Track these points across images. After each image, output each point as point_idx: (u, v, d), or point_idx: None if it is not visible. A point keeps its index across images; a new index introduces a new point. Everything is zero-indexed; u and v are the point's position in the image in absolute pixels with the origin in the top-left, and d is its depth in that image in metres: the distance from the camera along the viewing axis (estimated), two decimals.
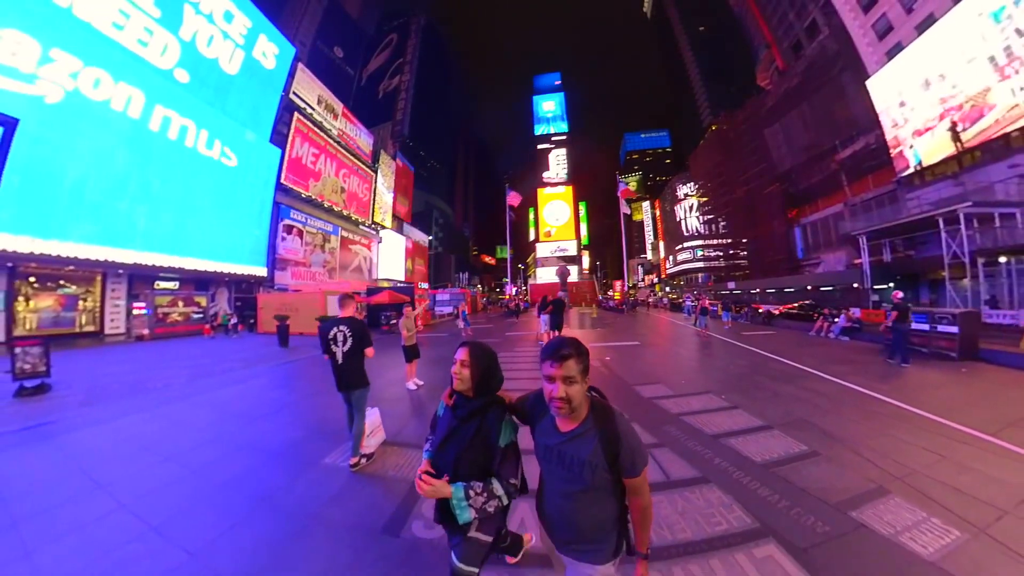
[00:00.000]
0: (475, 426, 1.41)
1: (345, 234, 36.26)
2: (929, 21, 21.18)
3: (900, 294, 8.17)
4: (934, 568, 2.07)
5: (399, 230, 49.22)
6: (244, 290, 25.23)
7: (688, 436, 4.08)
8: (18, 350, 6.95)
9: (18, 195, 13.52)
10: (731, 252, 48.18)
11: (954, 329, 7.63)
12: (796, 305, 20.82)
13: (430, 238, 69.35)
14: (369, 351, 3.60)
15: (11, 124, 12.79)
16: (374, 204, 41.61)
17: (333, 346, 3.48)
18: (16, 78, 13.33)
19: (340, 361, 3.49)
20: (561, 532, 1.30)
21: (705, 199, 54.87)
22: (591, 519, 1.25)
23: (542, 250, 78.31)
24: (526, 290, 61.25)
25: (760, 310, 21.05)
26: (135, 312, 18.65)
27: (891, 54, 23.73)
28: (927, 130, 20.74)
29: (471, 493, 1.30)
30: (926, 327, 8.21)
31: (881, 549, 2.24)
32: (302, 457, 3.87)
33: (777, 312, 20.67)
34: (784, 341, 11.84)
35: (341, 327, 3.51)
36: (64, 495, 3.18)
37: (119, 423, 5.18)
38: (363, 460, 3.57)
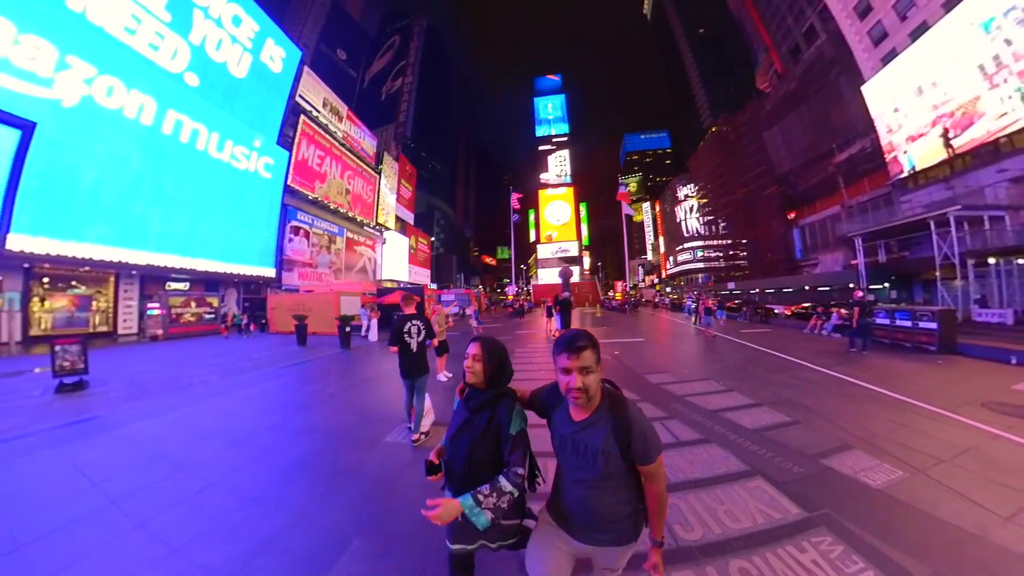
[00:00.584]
0: (487, 416, 1.46)
1: (350, 235, 36.79)
2: (922, 29, 21.79)
3: (860, 293, 9.12)
4: (879, 493, 2.79)
5: (402, 231, 49.91)
6: (252, 291, 25.58)
7: (692, 411, 4.81)
8: (58, 348, 7.00)
9: (36, 197, 13.71)
10: (731, 253, 48.90)
11: (933, 325, 8.33)
12: (808, 305, 20.63)
13: (432, 239, 70.01)
14: (435, 341, 4.28)
15: (29, 127, 13.25)
16: (378, 205, 42.26)
17: (407, 337, 4.08)
18: (34, 82, 13.50)
19: (414, 350, 4.11)
20: (579, 521, 1.32)
21: (705, 200, 55.62)
22: (607, 507, 1.27)
23: (543, 251, 78.92)
24: (528, 291, 61.84)
25: (760, 309, 21.63)
26: (150, 312, 18.84)
27: (886, 60, 24.38)
28: (920, 136, 21.43)
29: (480, 498, 1.30)
30: (909, 324, 8.91)
31: (841, 482, 2.97)
32: (364, 438, 4.26)
33: (789, 313, 21.04)
34: (780, 338, 12.53)
35: (414, 322, 4.16)
36: (152, 477, 3.39)
37: (173, 415, 5.40)
38: (423, 436, 4.19)
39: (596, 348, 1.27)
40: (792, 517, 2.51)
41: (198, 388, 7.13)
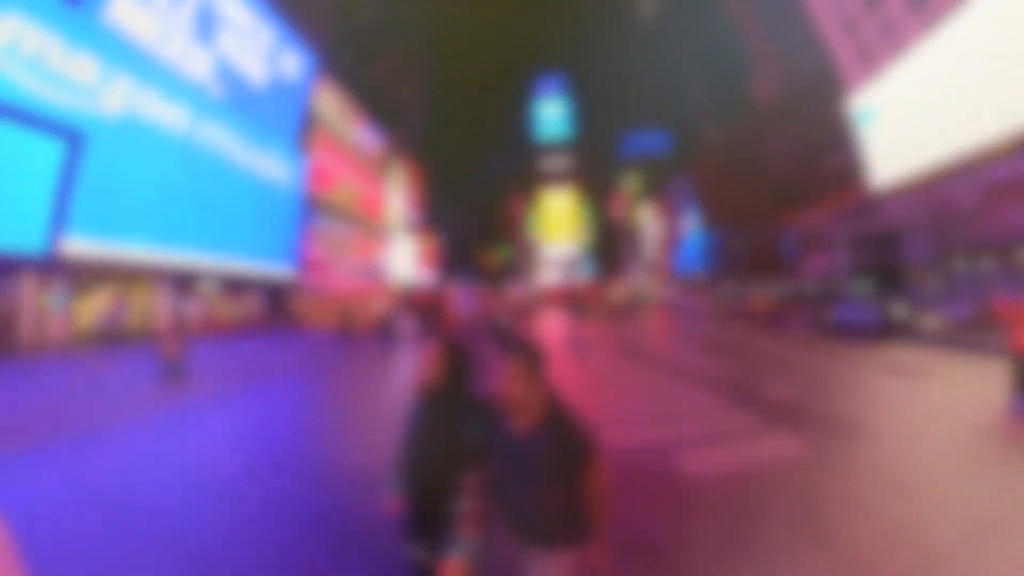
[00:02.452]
0: (443, 419, 1.40)
1: (362, 237, 38.11)
2: (903, 49, 23.52)
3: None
4: (777, 399, 4.83)
5: (409, 231, 51.55)
6: (274, 290, 26.51)
7: (675, 366, 6.94)
8: (164, 340, 7.69)
9: (85, 203, 14.69)
10: (727, 254, 50.65)
11: (877, 316, 10.28)
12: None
13: (437, 239, 71.67)
14: None
15: (79, 138, 14.43)
16: (386, 207, 43.78)
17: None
18: (83, 95, 14.60)
19: None
20: (522, 524, 1.36)
21: (704, 203, 57.34)
22: (549, 511, 1.33)
23: (545, 251, 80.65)
24: (531, 291, 63.58)
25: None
26: (190, 309, 19.86)
27: (871, 76, 26.14)
28: (899, 151, 23.19)
29: (464, 539, 1.25)
30: (860, 316, 10.86)
31: (759, 394, 5.05)
32: None
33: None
34: (756, 331, 14.49)
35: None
36: (333, 423, 4.30)
37: (310, 388, 5.98)
38: None
39: (532, 361, 1.30)
40: (725, 404, 4.65)
41: (304, 369, 7.71)
